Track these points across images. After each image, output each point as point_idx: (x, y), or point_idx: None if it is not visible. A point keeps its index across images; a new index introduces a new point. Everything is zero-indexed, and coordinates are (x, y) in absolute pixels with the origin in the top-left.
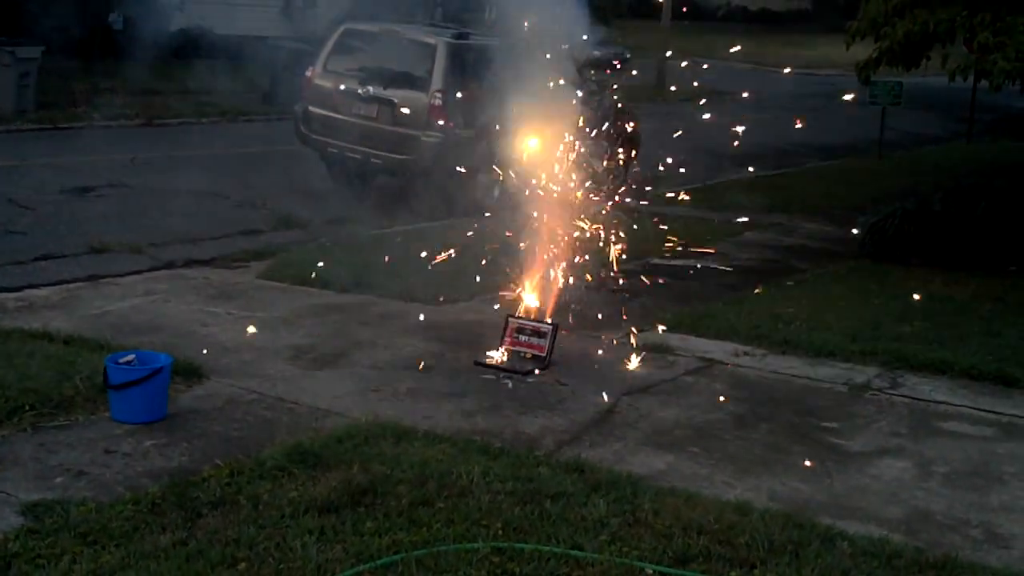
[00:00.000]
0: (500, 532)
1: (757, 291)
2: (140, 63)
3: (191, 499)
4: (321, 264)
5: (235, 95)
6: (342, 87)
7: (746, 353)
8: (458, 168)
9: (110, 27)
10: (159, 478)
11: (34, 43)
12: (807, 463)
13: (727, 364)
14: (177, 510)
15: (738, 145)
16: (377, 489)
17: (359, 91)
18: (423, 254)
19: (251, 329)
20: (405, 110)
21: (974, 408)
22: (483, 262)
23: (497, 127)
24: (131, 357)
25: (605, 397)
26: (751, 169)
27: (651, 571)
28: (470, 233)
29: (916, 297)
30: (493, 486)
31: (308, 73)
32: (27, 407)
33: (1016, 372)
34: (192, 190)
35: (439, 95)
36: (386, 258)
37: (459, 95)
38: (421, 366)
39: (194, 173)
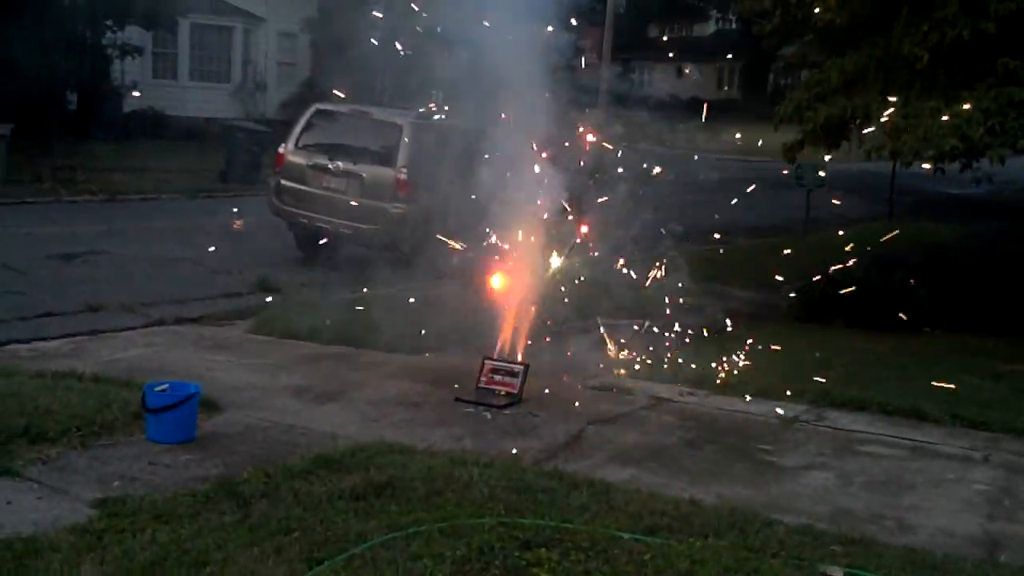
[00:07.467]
0: (503, 511)
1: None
2: (96, 142)
3: (239, 493)
4: (304, 320)
5: (191, 173)
6: (313, 162)
7: (691, 393)
8: (420, 238)
9: (66, 107)
10: (204, 481)
11: (3, 120)
12: (747, 474)
13: (676, 401)
14: (229, 500)
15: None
16: (395, 484)
17: (329, 166)
18: (396, 312)
19: (251, 373)
20: (373, 184)
21: (889, 436)
22: (452, 318)
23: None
24: (165, 386)
25: (573, 426)
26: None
27: (627, 537)
28: (435, 294)
29: (839, 350)
30: (491, 482)
31: (281, 150)
32: (75, 428)
33: (927, 408)
34: (169, 257)
35: (404, 170)
36: (363, 315)
37: (422, 170)
38: (409, 402)
39: (167, 243)
